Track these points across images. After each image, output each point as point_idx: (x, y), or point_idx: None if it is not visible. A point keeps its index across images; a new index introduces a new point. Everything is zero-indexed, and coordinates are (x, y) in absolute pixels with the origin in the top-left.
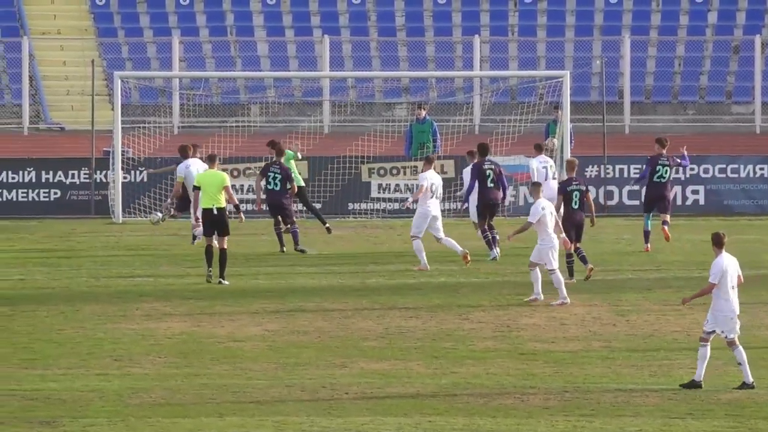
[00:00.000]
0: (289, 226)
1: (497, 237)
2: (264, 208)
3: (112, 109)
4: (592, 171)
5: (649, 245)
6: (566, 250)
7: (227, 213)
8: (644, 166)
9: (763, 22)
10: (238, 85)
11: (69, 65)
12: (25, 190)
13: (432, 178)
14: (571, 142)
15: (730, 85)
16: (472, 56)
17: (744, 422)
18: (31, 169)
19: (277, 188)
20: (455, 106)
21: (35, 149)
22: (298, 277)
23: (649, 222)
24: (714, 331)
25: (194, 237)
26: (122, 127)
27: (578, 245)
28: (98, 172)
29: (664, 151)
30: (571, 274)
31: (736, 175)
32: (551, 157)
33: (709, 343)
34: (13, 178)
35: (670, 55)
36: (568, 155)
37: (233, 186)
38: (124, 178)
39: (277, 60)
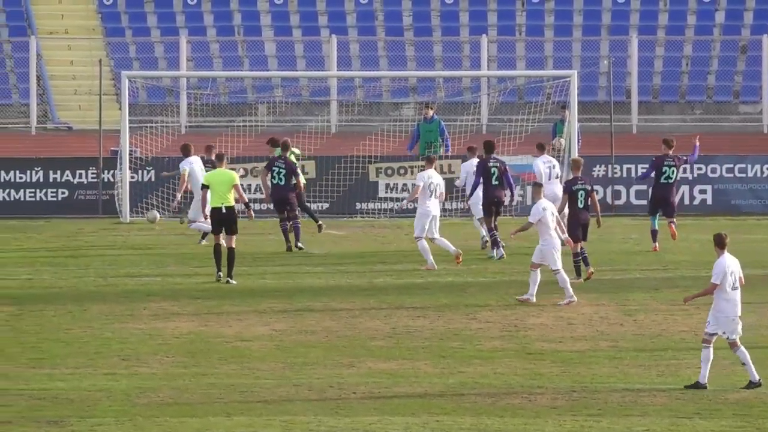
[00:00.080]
0: (291, 222)
1: (500, 240)
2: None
3: (120, 109)
4: (599, 171)
5: (657, 245)
6: (571, 249)
7: (236, 212)
8: (648, 165)
9: None
10: (246, 85)
11: (76, 65)
12: (33, 190)
13: (431, 178)
14: (578, 142)
15: (738, 84)
16: (479, 56)
17: (752, 422)
18: (39, 168)
19: (282, 182)
20: (463, 106)
21: (43, 149)
22: (305, 277)
23: (656, 221)
24: (716, 333)
25: (202, 236)
26: (130, 127)
27: (582, 246)
28: (106, 171)
29: (671, 152)
30: (578, 273)
31: (743, 175)
32: (557, 156)
33: (711, 345)
34: (20, 178)
35: (677, 55)
36: (575, 155)
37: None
38: (132, 177)
39: (285, 60)
